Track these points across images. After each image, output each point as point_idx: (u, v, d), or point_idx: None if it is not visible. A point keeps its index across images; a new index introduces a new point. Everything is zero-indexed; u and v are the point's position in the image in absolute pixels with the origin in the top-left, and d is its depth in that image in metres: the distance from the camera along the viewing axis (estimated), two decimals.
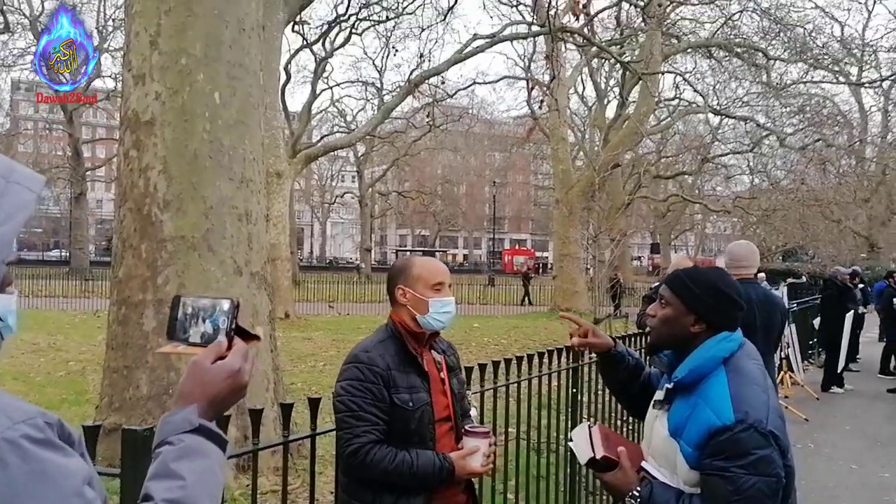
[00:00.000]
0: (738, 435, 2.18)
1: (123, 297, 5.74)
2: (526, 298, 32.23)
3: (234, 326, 1.37)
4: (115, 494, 2.14)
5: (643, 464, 2.44)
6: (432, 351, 2.81)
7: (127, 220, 5.80)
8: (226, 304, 1.38)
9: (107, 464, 3.09)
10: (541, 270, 52.70)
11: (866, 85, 31.67)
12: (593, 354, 5.03)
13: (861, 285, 16.99)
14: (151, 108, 5.75)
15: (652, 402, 2.56)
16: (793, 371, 12.07)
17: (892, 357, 13.94)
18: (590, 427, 2.60)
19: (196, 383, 1.33)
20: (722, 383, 2.29)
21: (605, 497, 5.22)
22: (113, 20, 35.71)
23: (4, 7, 32.03)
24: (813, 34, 27.90)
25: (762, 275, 8.08)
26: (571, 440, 2.65)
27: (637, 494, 2.35)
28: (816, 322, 14.15)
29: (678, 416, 2.34)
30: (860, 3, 35.68)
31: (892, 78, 30.30)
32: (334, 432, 2.82)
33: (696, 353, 2.38)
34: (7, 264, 1.17)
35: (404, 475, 2.55)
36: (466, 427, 2.74)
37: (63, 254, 60.10)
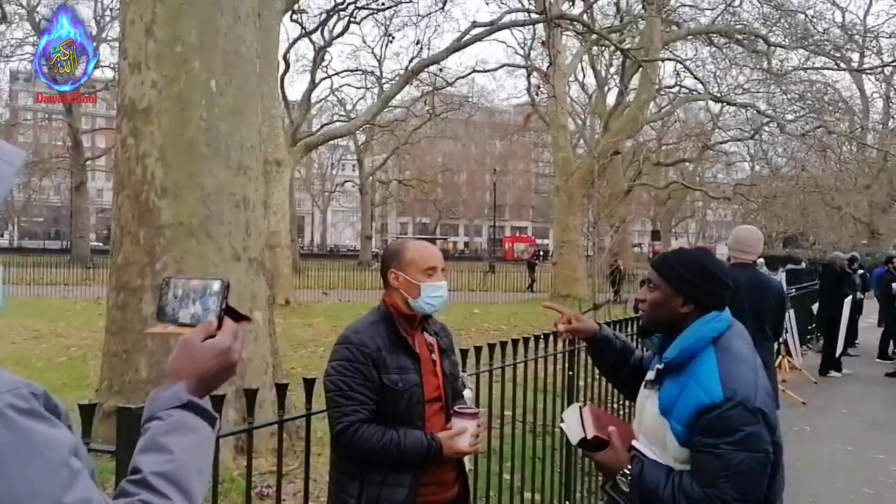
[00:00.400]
0: (726, 412, 2.21)
1: (122, 283, 5.79)
2: (532, 285, 32.23)
3: (224, 307, 1.37)
4: (112, 475, 2.18)
5: (634, 442, 2.47)
6: (424, 333, 2.85)
7: (125, 207, 5.83)
8: (216, 285, 1.38)
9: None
10: (541, 257, 52.68)
11: (867, 71, 31.56)
12: None
13: (860, 271, 17.01)
14: (148, 96, 5.77)
15: (643, 383, 2.59)
16: (791, 355, 12.11)
17: (891, 342, 13.98)
18: (580, 408, 2.63)
19: (185, 360, 1.33)
20: (711, 362, 2.32)
21: (599, 478, 5.27)
22: (110, 10, 35.70)
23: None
24: (814, 20, 27.84)
25: (761, 260, 8.09)
26: (563, 421, 2.68)
27: (628, 472, 2.39)
28: (815, 307, 14.19)
29: (668, 395, 2.37)
30: None
31: (894, 64, 30.14)
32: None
33: (685, 334, 2.41)
34: None
35: (392, 453, 2.59)
36: (455, 408, 2.78)
37: (64, 243, 60.14)
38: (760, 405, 2.24)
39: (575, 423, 2.56)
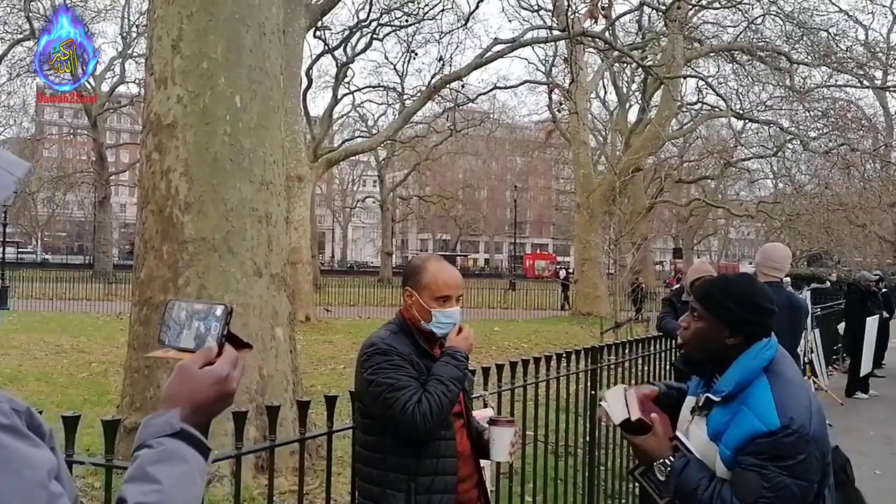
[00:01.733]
0: (782, 440, 2.21)
1: (145, 298, 5.81)
2: (566, 303, 31.91)
3: (225, 333, 1.34)
4: None
5: (677, 433, 2.45)
6: (442, 348, 2.82)
7: (149, 221, 5.86)
8: (219, 310, 1.35)
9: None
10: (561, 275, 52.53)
11: (891, 89, 31.30)
12: (612, 356, 5.05)
13: (886, 290, 16.79)
14: (173, 112, 5.81)
15: (689, 409, 2.55)
16: (816, 376, 11.94)
17: None
18: (625, 390, 2.58)
19: (181, 387, 1.28)
20: (765, 389, 2.31)
21: (623, 500, 5.20)
22: (136, 26, 36.12)
23: (30, 14, 32.50)
24: (836, 38, 27.70)
25: (787, 279, 7.99)
26: (604, 400, 2.61)
27: (669, 463, 2.37)
28: (841, 327, 14.02)
29: (718, 422, 2.36)
30: (885, 6, 35.24)
31: None
32: (350, 431, 2.83)
33: (738, 365, 2.38)
34: None
35: (448, 394, 2.58)
36: (491, 417, 2.77)
37: (87, 258, 60.69)
38: (815, 432, 2.24)
39: (619, 403, 2.51)
